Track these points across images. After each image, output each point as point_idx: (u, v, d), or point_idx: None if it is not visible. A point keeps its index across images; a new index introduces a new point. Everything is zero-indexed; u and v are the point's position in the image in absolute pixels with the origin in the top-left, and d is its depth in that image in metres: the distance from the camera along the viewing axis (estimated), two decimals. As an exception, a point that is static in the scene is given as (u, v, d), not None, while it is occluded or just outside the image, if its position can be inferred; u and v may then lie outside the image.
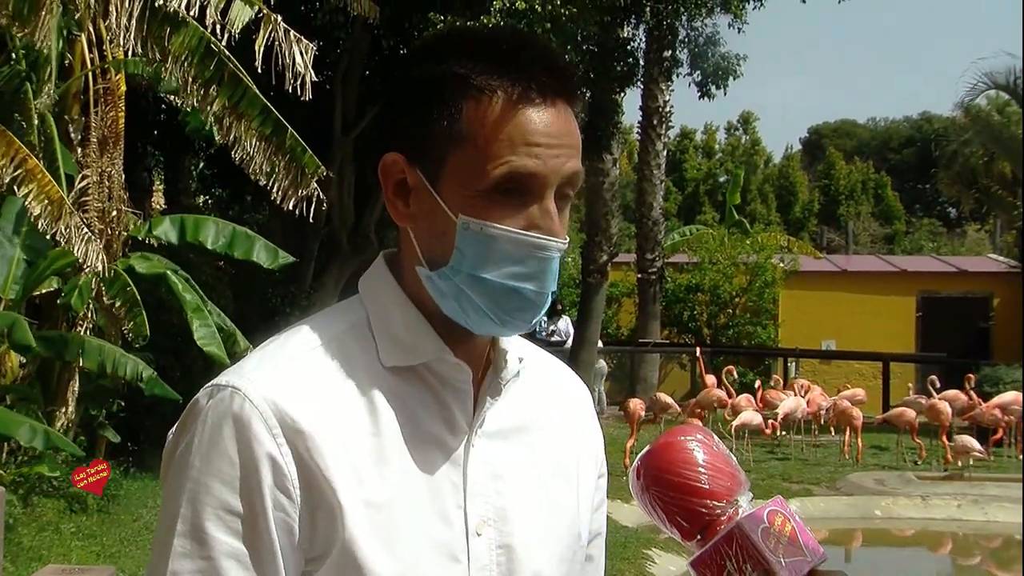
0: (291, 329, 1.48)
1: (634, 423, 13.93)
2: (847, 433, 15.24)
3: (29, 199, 8.89)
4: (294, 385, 1.38)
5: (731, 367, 16.93)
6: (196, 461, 1.35)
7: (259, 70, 9.63)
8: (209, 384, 1.41)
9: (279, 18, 9.77)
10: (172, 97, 10.69)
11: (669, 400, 15.44)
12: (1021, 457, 14.68)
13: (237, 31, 9.61)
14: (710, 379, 16.94)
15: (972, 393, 15.98)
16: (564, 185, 1.42)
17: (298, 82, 9.71)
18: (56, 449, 9.28)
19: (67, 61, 10.84)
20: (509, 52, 1.43)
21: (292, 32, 9.79)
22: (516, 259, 1.39)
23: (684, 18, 18.70)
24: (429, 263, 1.43)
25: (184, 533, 1.33)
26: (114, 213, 10.85)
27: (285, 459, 1.34)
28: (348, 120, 16.42)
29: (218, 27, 9.60)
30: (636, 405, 14.14)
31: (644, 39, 20.10)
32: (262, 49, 9.57)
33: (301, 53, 9.71)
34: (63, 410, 10.33)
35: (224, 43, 9.64)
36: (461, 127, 1.39)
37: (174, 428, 1.42)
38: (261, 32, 9.62)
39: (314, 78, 9.86)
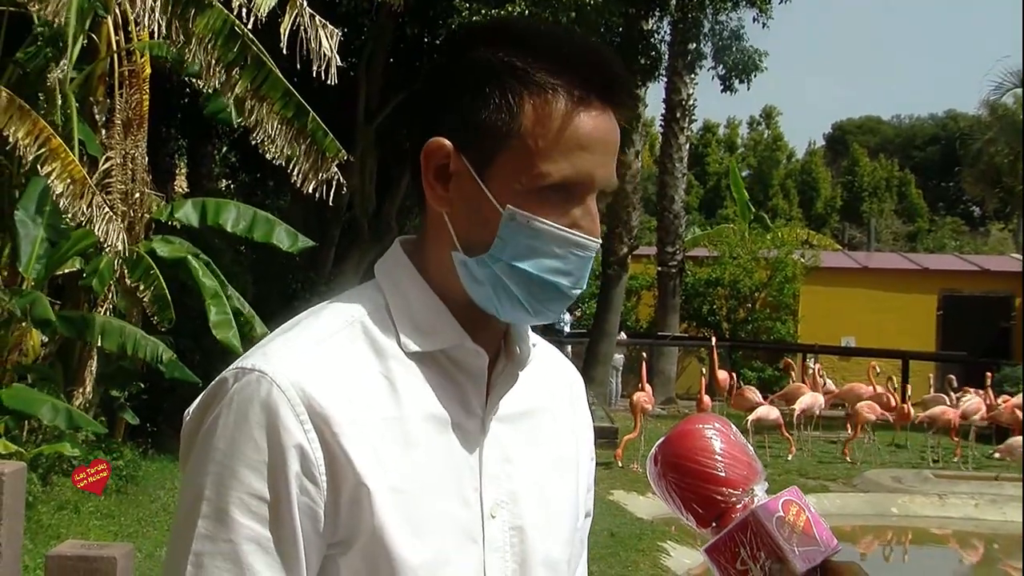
0: (312, 312, 1.49)
1: (637, 415, 13.86)
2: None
3: (52, 177, 8.94)
4: (320, 369, 1.38)
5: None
6: (221, 444, 1.35)
7: (283, 51, 9.64)
8: (234, 366, 1.40)
9: (304, 2, 9.79)
10: (197, 81, 10.70)
11: (650, 397, 14.90)
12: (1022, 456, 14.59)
13: (263, 14, 9.63)
14: (722, 374, 16.93)
15: (991, 392, 15.94)
16: (603, 190, 1.45)
17: (323, 65, 9.72)
18: (77, 428, 9.33)
19: (91, 43, 10.88)
20: (572, 53, 1.44)
21: (317, 17, 9.80)
22: (557, 255, 1.41)
23: (709, 11, 18.65)
24: (465, 249, 1.44)
25: (208, 515, 1.34)
26: (137, 195, 10.91)
27: (312, 445, 1.34)
28: (371, 108, 16.45)
29: (244, 11, 9.62)
30: (639, 398, 14.05)
31: (668, 32, 20.07)
32: (287, 34, 9.59)
33: (327, 38, 9.73)
34: (81, 390, 10.39)
35: (249, 26, 9.66)
36: (518, 122, 1.40)
37: (193, 407, 1.42)
38: (287, 16, 9.64)
39: (339, 63, 9.87)
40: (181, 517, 1.38)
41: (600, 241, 1.45)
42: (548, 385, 1.62)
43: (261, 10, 9.65)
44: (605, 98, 1.43)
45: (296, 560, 1.35)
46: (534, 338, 1.61)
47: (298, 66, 9.79)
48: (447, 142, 1.43)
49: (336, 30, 9.98)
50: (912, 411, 15.44)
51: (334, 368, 1.40)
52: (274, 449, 1.34)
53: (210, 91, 10.55)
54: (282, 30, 9.61)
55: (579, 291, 1.45)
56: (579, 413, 1.68)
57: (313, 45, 9.69)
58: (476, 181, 1.42)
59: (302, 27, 9.70)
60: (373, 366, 1.43)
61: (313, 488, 1.35)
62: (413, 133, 1.48)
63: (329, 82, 9.76)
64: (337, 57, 9.86)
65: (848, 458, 15.02)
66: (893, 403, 15.46)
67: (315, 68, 9.74)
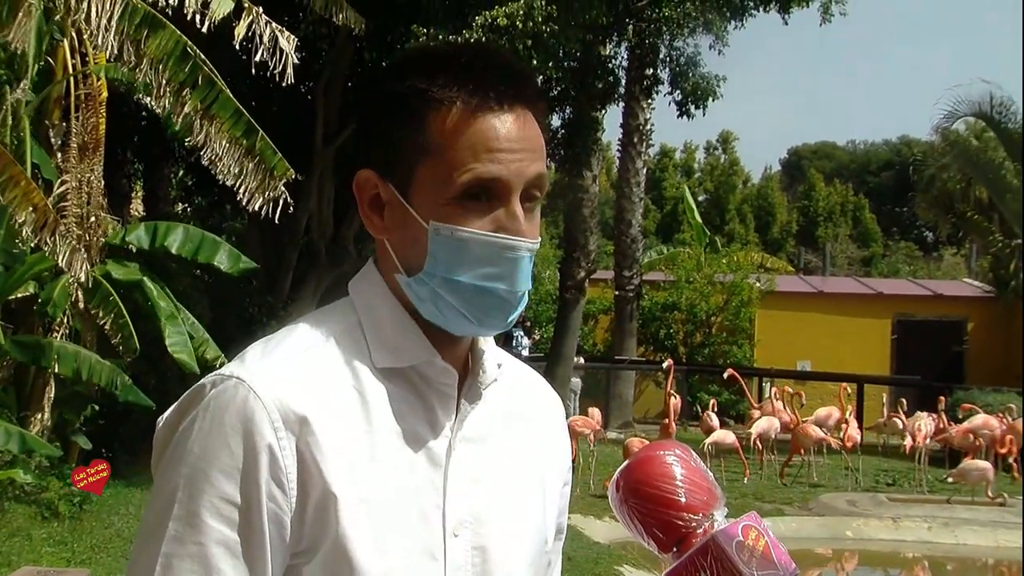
0: (288, 328, 1.53)
1: (574, 440, 13.76)
2: (856, 453, 15.23)
3: (13, 206, 8.84)
4: (296, 380, 1.42)
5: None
6: (195, 448, 1.38)
7: (237, 49, 9.56)
8: (213, 373, 1.44)
9: (260, 10, 9.75)
10: (151, 101, 10.60)
11: (587, 421, 14.80)
12: (1020, 479, 14.69)
13: (217, 19, 9.56)
14: (674, 401, 16.92)
15: (944, 416, 16.07)
16: (530, 188, 1.48)
17: (280, 66, 9.63)
18: (30, 453, 9.22)
19: (47, 65, 10.79)
20: (466, 64, 1.49)
21: (273, 23, 9.76)
22: (487, 260, 1.45)
23: (665, 37, 18.77)
24: (407, 270, 1.49)
25: (179, 517, 1.37)
26: (92, 219, 10.82)
27: (284, 452, 1.38)
28: (329, 131, 16.42)
29: (197, 17, 9.56)
30: (574, 422, 13.89)
31: (625, 57, 20.17)
32: (242, 38, 9.52)
33: (284, 41, 9.69)
34: (39, 416, 10.26)
35: (205, 29, 9.58)
36: (426, 139, 1.46)
37: (169, 412, 1.45)
38: (242, 21, 9.59)
39: (295, 61, 9.80)
40: (152, 518, 1.40)
41: (529, 240, 1.47)
42: (522, 407, 1.65)
43: (216, 15, 9.59)
44: (503, 98, 1.47)
45: (263, 564, 1.38)
46: (513, 360, 1.64)
47: (254, 71, 9.71)
48: (372, 173, 1.50)
49: (292, 36, 9.94)
50: (858, 436, 15.48)
51: (309, 380, 1.43)
52: (248, 455, 1.37)
53: (162, 112, 10.49)
54: (236, 33, 9.56)
55: (519, 294, 1.47)
56: (554, 437, 1.70)
57: (267, 43, 9.62)
58: (403, 204, 1.47)
59: (258, 33, 9.66)
60: (346, 380, 1.46)
61: (280, 495, 1.38)
62: (348, 171, 1.54)
63: (285, 84, 9.69)
64: (294, 56, 9.78)
65: (783, 481, 15.05)
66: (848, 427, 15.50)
67: (271, 68, 9.64)
